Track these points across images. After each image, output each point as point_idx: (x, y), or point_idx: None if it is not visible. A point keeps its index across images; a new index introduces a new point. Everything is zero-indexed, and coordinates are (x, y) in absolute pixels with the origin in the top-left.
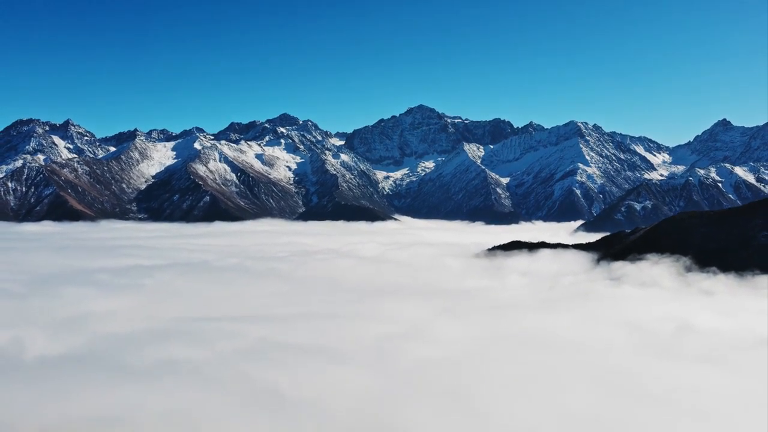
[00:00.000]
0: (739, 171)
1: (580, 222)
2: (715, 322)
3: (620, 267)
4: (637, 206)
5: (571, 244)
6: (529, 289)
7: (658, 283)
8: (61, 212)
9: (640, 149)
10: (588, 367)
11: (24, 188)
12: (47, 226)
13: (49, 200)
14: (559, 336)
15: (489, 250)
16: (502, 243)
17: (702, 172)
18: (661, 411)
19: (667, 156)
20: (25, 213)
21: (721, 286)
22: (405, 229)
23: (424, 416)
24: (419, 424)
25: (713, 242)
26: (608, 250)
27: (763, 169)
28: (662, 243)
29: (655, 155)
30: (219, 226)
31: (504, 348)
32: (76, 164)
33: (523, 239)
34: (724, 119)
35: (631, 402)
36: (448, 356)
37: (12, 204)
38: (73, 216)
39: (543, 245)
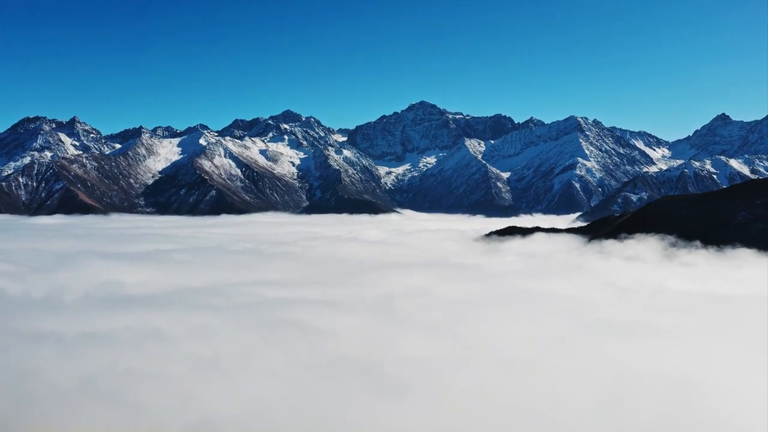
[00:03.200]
0: (734, 163)
1: (578, 214)
2: (687, 286)
3: (609, 245)
4: (634, 197)
5: (564, 228)
6: (524, 264)
7: (643, 257)
8: (71, 206)
9: (639, 144)
10: (564, 312)
11: (35, 183)
12: (60, 219)
13: (60, 194)
14: (544, 292)
15: (486, 235)
16: (498, 228)
17: (697, 164)
18: (618, 337)
19: (666, 150)
20: (36, 207)
21: (701, 259)
22: (407, 220)
23: (415, 340)
24: (411, 345)
25: (695, 222)
26: (598, 232)
27: (757, 161)
28: (648, 224)
29: (654, 150)
30: (227, 218)
31: (492, 299)
32: (84, 160)
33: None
34: (723, 114)
35: (594, 332)
36: (440, 305)
37: (23, 198)
38: (83, 209)
39: (537, 230)
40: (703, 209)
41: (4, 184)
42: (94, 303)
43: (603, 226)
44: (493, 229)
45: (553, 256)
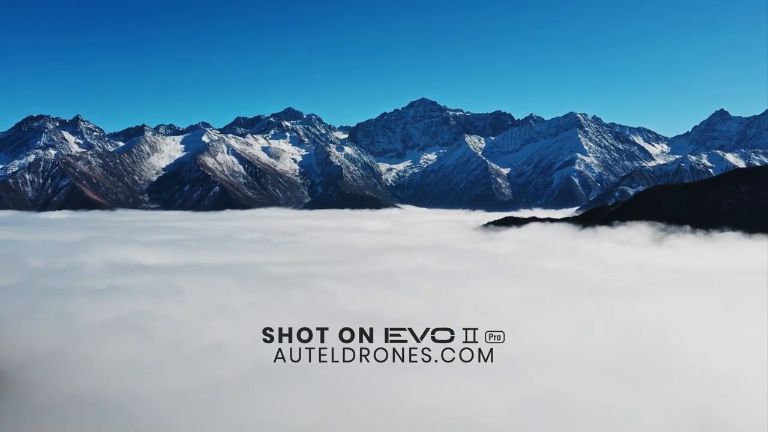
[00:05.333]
0: (730, 157)
1: (576, 208)
2: (670, 262)
3: (601, 231)
4: (631, 191)
5: (558, 218)
6: (519, 247)
7: (633, 241)
8: (77, 202)
9: (639, 140)
10: (550, 280)
11: (41, 180)
12: (68, 214)
13: (66, 191)
14: (535, 267)
15: (484, 225)
16: (496, 219)
17: (693, 158)
18: (594, 298)
19: (665, 146)
20: (43, 203)
21: (688, 243)
22: (408, 215)
23: (408, 301)
24: (403, 304)
25: (683, 209)
26: (591, 220)
27: (753, 155)
28: (639, 211)
29: (653, 145)
30: (231, 213)
31: (486, 273)
32: (89, 157)
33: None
34: (722, 109)
35: (573, 294)
36: (437, 277)
37: (30, 195)
38: (89, 205)
39: (533, 219)
40: (691, 197)
41: (11, 181)
42: (115, 270)
43: (596, 214)
44: (491, 220)
45: (547, 241)
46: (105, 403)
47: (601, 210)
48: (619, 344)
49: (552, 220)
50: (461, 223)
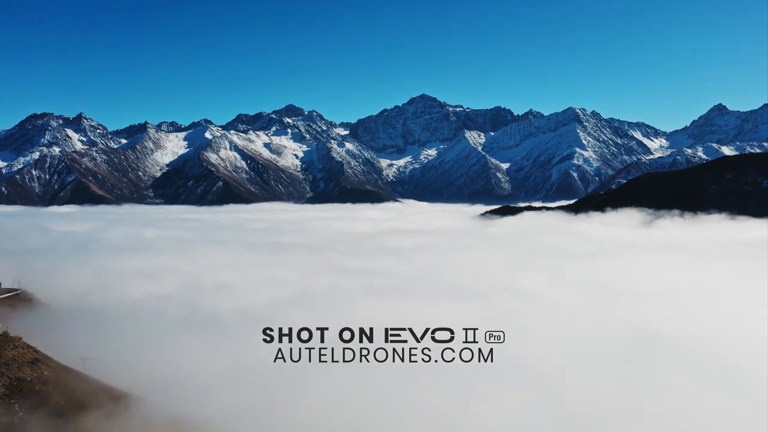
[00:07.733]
0: (726, 150)
1: (574, 201)
2: (653, 237)
3: (593, 216)
4: None
5: (553, 206)
6: (516, 231)
7: (623, 224)
8: (83, 197)
9: (637, 134)
10: (535, 249)
11: (47, 176)
12: (79, 208)
13: (72, 186)
14: (526, 243)
15: (482, 214)
16: (493, 208)
17: (689, 151)
18: (572, 259)
19: (664, 141)
20: (50, 198)
21: (674, 225)
22: (409, 207)
23: (401, 265)
24: (397, 266)
25: (671, 195)
26: (584, 207)
27: (749, 148)
28: (630, 198)
29: (652, 140)
30: (235, 207)
31: (480, 246)
32: (94, 153)
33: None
34: (720, 104)
35: (553, 258)
36: (434, 250)
37: (37, 190)
38: (95, 200)
39: (529, 208)
40: (679, 184)
41: (17, 177)
42: (133, 239)
43: (589, 202)
44: (488, 209)
45: (542, 225)
46: (137, 320)
47: (593, 197)
48: (582, 286)
49: (547, 209)
50: (461, 213)
